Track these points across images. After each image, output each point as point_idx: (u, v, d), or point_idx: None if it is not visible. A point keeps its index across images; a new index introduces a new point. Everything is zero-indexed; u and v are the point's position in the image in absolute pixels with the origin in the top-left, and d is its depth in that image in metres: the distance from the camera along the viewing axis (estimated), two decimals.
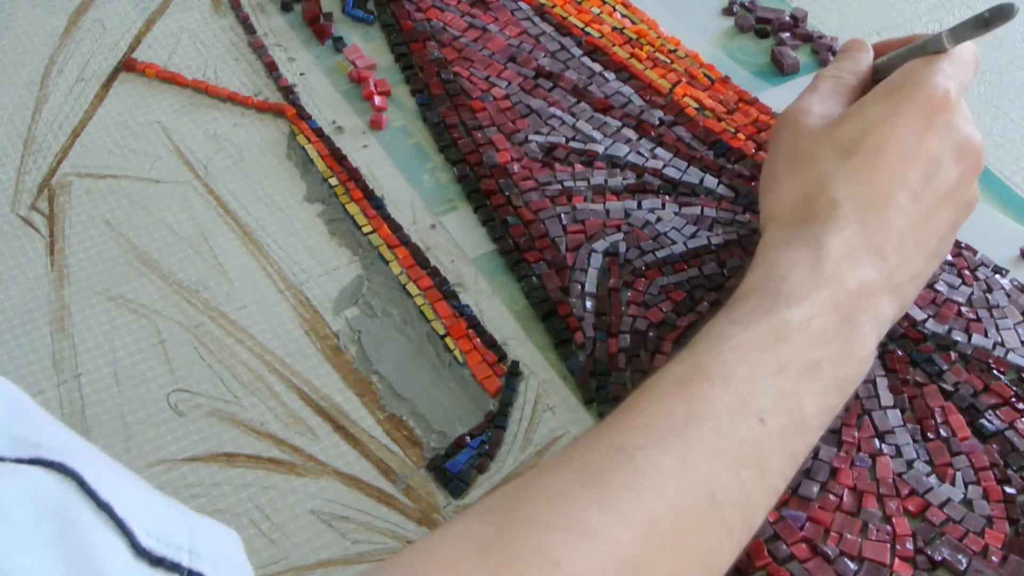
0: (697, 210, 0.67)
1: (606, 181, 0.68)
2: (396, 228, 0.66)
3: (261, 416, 0.58)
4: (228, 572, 0.33)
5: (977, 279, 0.64)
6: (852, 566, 0.53)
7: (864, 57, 0.62)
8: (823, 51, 0.78)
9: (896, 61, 0.59)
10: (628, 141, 0.71)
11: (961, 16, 0.81)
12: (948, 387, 0.59)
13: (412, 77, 0.75)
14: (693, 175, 0.69)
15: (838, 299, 0.50)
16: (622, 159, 0.69)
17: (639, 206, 0.67)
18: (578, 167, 0.69)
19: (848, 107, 0.57)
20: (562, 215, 0.66)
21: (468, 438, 0.57)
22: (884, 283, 0.52)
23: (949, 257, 0.65)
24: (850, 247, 0.52)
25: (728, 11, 0.81)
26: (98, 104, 0.73)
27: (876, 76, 0.60)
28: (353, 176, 0.69)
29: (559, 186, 0.68)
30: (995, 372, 0.60)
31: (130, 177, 0.69)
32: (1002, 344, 0.61)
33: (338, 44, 0.77)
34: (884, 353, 0.61)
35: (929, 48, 0.56)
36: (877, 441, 0.57)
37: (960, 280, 0.64)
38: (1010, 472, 0.56)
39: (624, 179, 0.69)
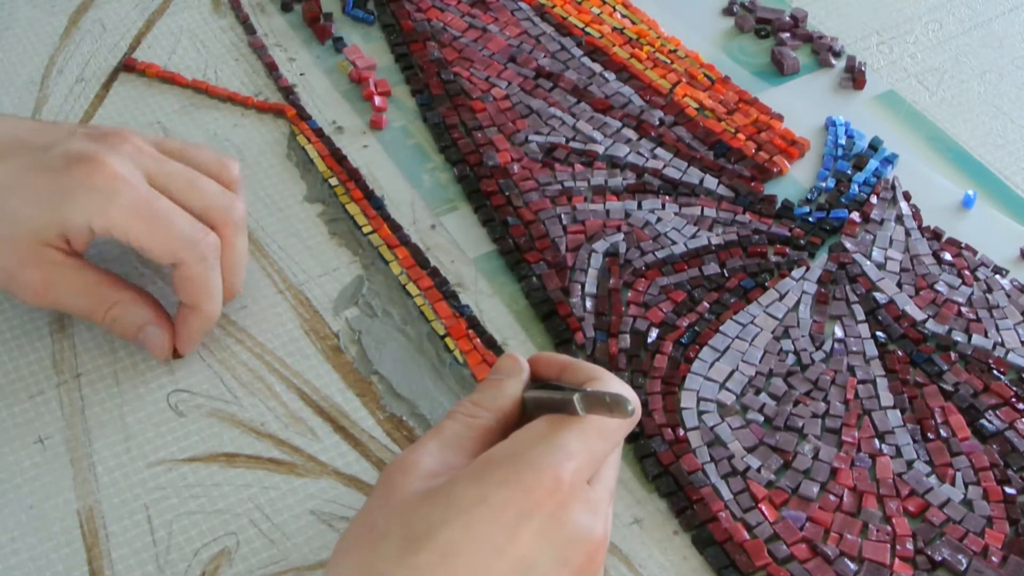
0: (697, 210, 0.67)
1: (606, 181, 0.68)
2: (396, 228, 0.66)
3: (261, 416, 0.58)
4: None
5: (977, 279, 0.64)
6: (852, 566, 0.53)
7: (511, 386, 0.49)
8: (823, 51, 0.77)
9: (541, 404, 0.47)
10: (628, 141, 0.71)
11: (961, 17, 0.81)
12: (948, 387, 0.59)
13: (412, 77, 0.75)
14: (693, 175, 0.69)
15: None
16: (622, 159, 0.69)
17: (639, 206, 0.67)
18: (578, 167, 0.69)
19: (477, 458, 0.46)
20: (562, 215, 0.66)
21: None
22: None
23: (948, 257, 0.65)
24: None
25: (728, 11, 0.81)
26: (98, 104, 0.73)
27: (525, 412, 0.49)
28: (353, 176, 0.69)
29: (559, 186, 0.68)
30: (995, 372, 0.60)
31: None
32: (1002, 344, 0.61)
33: (338, 44, 0.77)
34: (884, 353, 0.61)
35: (568, 408, 0.45)
36: (877, 441, 0.57)
37: (960, 280, 0.64)
38: (1010, 472, 0.56)
39: (624, 179, 0.69)
